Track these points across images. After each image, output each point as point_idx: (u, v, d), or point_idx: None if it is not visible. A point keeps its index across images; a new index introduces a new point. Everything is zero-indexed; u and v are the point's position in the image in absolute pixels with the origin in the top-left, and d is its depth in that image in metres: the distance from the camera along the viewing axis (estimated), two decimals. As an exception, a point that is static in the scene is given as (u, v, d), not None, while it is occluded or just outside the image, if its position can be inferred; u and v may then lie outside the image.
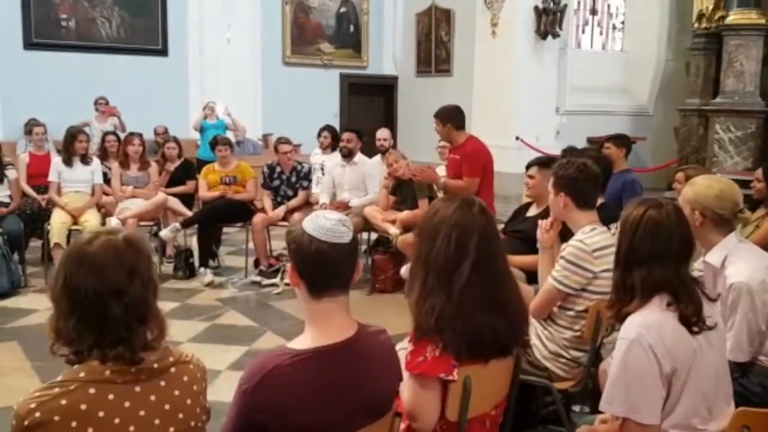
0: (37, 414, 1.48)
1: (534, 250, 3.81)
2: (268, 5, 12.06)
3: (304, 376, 1.66)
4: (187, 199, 6.97)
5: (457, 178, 5.26)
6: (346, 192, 6.59)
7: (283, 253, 6.83)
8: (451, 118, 5.30)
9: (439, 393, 1.99)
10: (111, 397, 1.54)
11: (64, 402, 1.50)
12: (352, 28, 13.05)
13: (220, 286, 6.18)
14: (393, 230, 5.80)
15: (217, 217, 6.59)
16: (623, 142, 5.54)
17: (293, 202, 6.48)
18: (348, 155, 6.66)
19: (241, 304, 5.75)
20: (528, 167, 4.10)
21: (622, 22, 13.12)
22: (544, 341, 2.91)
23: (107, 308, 1.55)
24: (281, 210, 6.40)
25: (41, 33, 10.45)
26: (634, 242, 2.03)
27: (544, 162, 4.08)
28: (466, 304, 1.99)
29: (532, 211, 4.09)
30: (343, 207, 6.41)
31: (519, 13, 10.76)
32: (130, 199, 6.46)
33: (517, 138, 10.53)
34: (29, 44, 10.38)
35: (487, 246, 2.05)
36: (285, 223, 6.40)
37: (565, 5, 11.01)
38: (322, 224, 1.73)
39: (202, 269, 6.28)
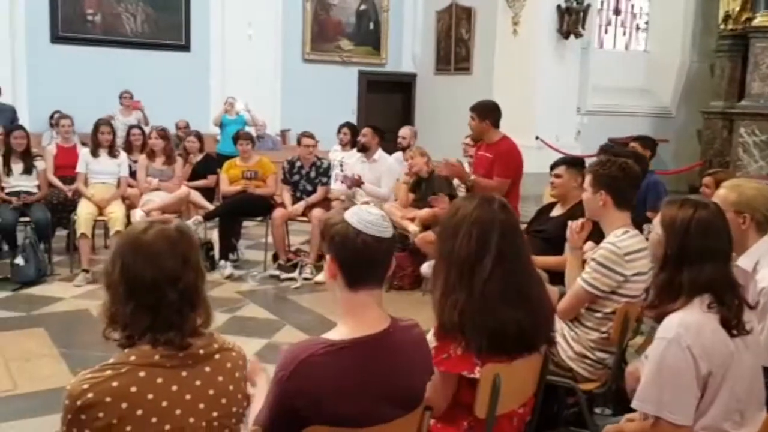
0: (90, 395, 1.52)
1: (557, 251, 3.83)
2: (290, 2, 12.11)
3: (338, 366, 1.69)
4: (208, 193, 7.03)
5: (486, 176, 5.17)
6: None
7: (301, 248, 6.89)
8: (491, 114, 5.20)
9: (454, 387, 2.05)
10: (159, 380, 1.58)
11: (115, 384, 1.54)
12: (371, 26, 13.06)
13: (239, 279, 6.25)
14: (412, 228, 5.82)
15: (238, 211, 6.65)
16: (649, 143, 5.52)
17: (312, 198, 6.52)
18: (363, 150, 6.72)
19: (260, 297, 5.81)
20: (554, 166, 4.08)
21: (646, 23, 13.03)
22: (569, 342, 2.92)
23: (163, 295, 1.60)
24: (300, 205, 6.44)
25: (68, 27, 10.55)
26: (685, 242, 2.03)
27: (571, 161, 4.08)
28: (488, 298, 2.01)
29: (557, 212, 4.08)
30: (357, 183, 6.52)
31: (541, 12, 10.71)
32: (154, 191, 6.54)
33: (537, 138, 10.49)
34: (56, 38, 10.49)
35: (509, 241, 2.07)
36: (304, 218, 6.45)
37: (589, 5, 10.95)
38: (367, 218, 1.75)
39: (222, 262, 6.35)
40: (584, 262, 3.00)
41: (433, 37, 12.78)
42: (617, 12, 12.88)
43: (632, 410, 2.14)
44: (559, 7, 10.73)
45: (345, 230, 1.74)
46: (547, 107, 10.69)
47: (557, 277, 3.42)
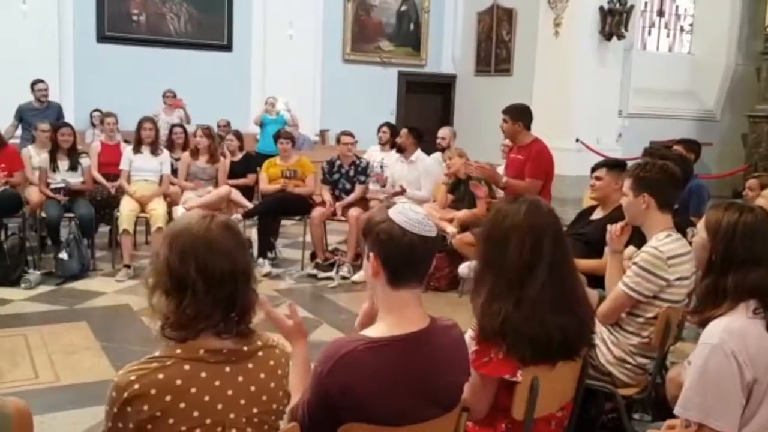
0: (136, 386, 1.54)
1: (597, 254, 3.78)
2: (331, 3, 12.17)
3: (377, 363, 1.69)
4: (248, 192, 7.10)
5: (518, 178, 5.20)
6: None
7: (338, 248, 6.93)
8: (523, 116, 5.24)
9: (495, 390, 2.03)
10: (203, 375, 1.59)
11: (161, 376, 1.56)
12: (412, 27, 13.06)
13: (277, 277, 6.30)
14: (450, 229, 5.80)
15: (277, 210, 6.71)
16: (693, 146, 5.41)
17: (350, 198, 6.54)
18: (400, 151, 6.75)
19: (297, 295, 5.84)
20: (595, 169, 4.04)
21: (691, 24, 12.79)
22: (609, 346, 2.88)
23: (238, 288, 1.64)
24: (339, 206, 6.46)
25: (114, 27, 10.76)
26: (732, 246, 2.00)
27: (612, 164, 4.02)
28: (538, 307, 1.99)
29: (597, 214, 4.03)
30: (401, 193, 6.57)
31: (583, 13, 10.59)
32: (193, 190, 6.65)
33: (577, 140, 10.37)
34: (102, 37, 10.70)
35: (560, 247, 2.05)
36: (342, 218, 6.48)
37: (632, 6, 10.79)
38: (413, 217, 1.75)
39: (260, 260, 6.40)
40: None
41: (474, 38, 12.73)
42: (661, 13, 12.67)
43: (672, 417, 2.10)
44: (601, 8, 10.59)
45: (391, 228, 1.73)
46: (587, 109, 10.56)
47: (596, 280, 3.38)
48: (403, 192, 6.63)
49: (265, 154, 7.88)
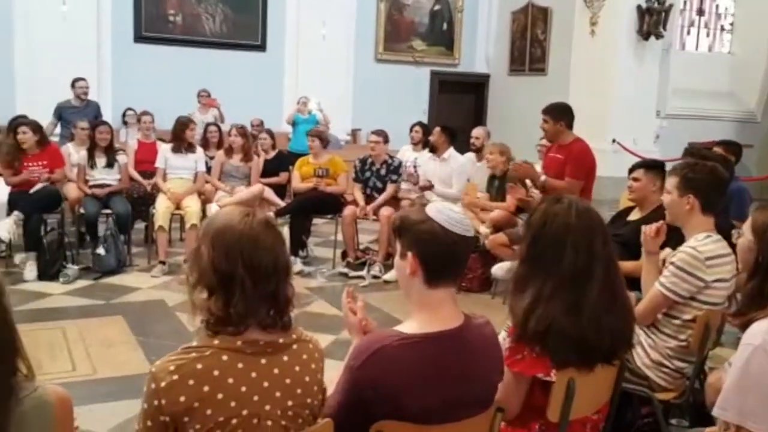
0: (175, 377, 1.55)
1: (634, 256, 3.71)
2: (364, 3, 12.19)
3: (409, 359, 1.68)
4: (280, 190, 7.14)
5: (558, 178, 5.10)
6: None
7: (370, 247, 6.93)
8: (565, 116, 5.13)
9: (527, 388, 2.01)
10: (240, 365, 1.60)
11: (199, 366, 1.57)
12: (445, 26, 13.02)
13: (308, 275, 6.32)
14: (483, 230, 5.76)
15: (309, 209, 6.74)
16: (734, 148, 5.30)
17: (382, 198, 6.54)
18: (433, 150, 6.73)
19: (328, 294, 5.86)
20: (632, 169, 3.97)
21: (731, 24, 12.54)
22: (646, 349, 2.83)
23: (280, 282, 1.66)
24: (370, 208, 6.46)
25: (150, 27, 10.92)
26: None
27: (650, 165, 3.94)
28: (595, 312, 1.97)
29: (634, 216, 3.96)
30: (429, 187, 6.54)
31: (621, 12, 10.46)
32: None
33: (614, 141, 10.24)
34: (139, 37, 10.86)
35: (608, 247, 2.03)
36: (373, 217, 6.48)
37: (671, 5, 10.63)
38: (453, 216, 1.75)
39: (292, 258, 6.40)
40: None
41: (508, 37, 12.64)
42: (701, 12, 12.46)
43: (710, 423, 2.05)
44: (639, 7, 10.45)
45: (432, 228, 1.73)
46: (624, 110, 10.42)
47: (633, 282, 3.32)
48: (431, 187, 6.60)
49: (298, 153, 7.92)
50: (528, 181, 5.70)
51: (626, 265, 3.60)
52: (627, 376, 2.70)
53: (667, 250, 3.37)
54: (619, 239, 3.88)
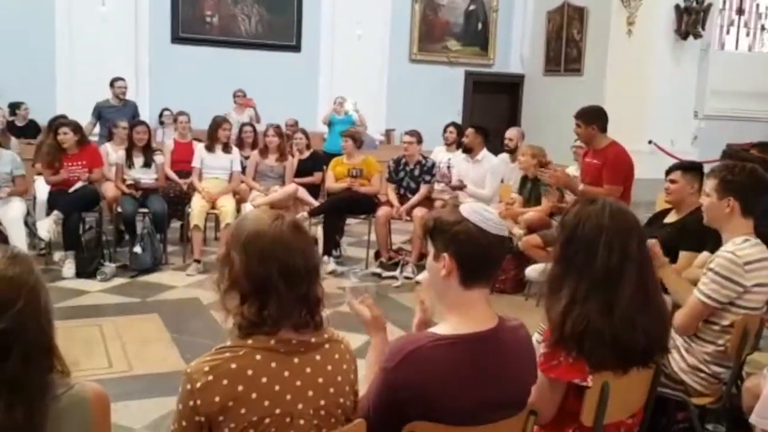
0: (210, 377, 1.57)
1: (670, 259, 3.66)
2: (399, 3, 12.19)
3: (444, 360, 1.68)
4: (314, 190, 7.18)
5: (595, 184, 5.01)
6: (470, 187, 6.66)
7: (403, 247, 6.92)
8: (597, 119, 5.03)
9: (562, 393, 1.99)
10: (273, 365, 1.62)
11: (233, 366, 1.59)
12: (480, 26, 12.96)
13: (341, 275, 6.32)
14: (517, 231, 5.72)
15: (343, 209, 6.76)
16: (771, 149, 5.19)
17: (415, 199, 6.53)
18: (466, 151, 6.70)
19: (361, 294, 5.85)
20: (669, 171, 3.91)
21: (772, 23, 12.29)
22: (683, 353, 2.78)
23: (311, 284, 1.68)
24: (403, 210, 6.46)
25: (187, 28, 11.05)
26: None
27: (687, 166, 3.88)
28: (628, 313, 1.95)
29: (671, 218, 3.90)
30: (459, 186, 6.53)
31: (658, 12, 10.30)
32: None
33: (650, 142, 10.09)
34: (176, 38, 11.00)
35: (644, 248, 2.01)
36: (407, 218, 6.48)
37: (710, 4, 10.44)
38: (489, 217, 1.75)
39: (325, 258, 6.44)
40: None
41: (543, 37, 12.54)
42: (740, 12, 12.21)
43: (747, 429, 2.01)
44: (677, 6, 10.29)
45: (469, 229, 1.72)
46: (661, 111, 10.27)
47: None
48: (463, 187, 6.57)
49: (333, 153, 7.95)
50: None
51: (663, 269, 3.57)
52: (663, 381, 2.66)
53: (705, 254, 3.32)
54: (656, 242, 3.83)
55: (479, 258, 1.74)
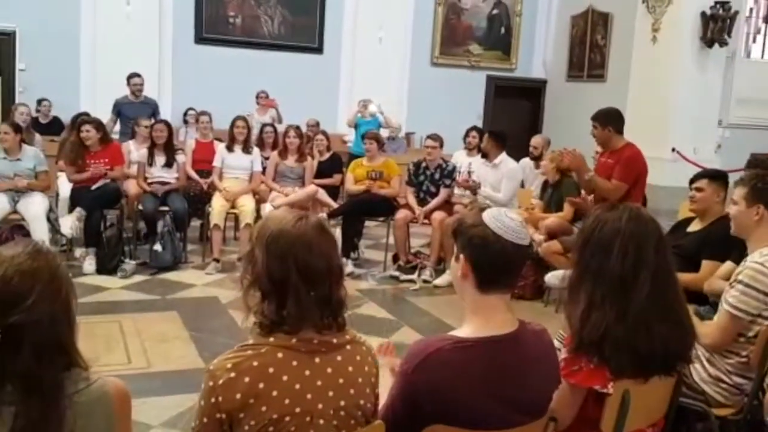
0: (232, 374, 1.58)
1: (693, 267, 3.62)
2: (422, 6, 12.18)
3: (464, 363, 1.67)
4: (333, 191, 7.19)
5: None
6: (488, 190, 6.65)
7: (421, 251, 6.91)
8: (613, 121, 5.06)
9: (582, 400, 1.97)
10: (294, 363, 1.62)
11: (255, 363, 1.59)
12: (502, 30, 12.92)
13: (359, 277, 6.34)
14: (537, 236, 5.68)
15: (362, 211, 6.76)
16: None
17: (434, 203, 6.51)
18: (484, 156, 6.68)
19: (378, 296, 5.87)
20: (695, 179, 3.86)
21: (800, 31, 12.11)
22: (704, 364, 2.74)
23: (332, 286, 1.68)
24: (421, 213, 6.44)
25: (211, 29, 11.13)
26: None
27: (714, 175, 3.83)
28: (642, 319, 1.92)
29: (694, 227, 3.85)
30: (473, 187, 6.53)
31: (684, 18, 10.20)
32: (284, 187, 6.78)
33: (673, 150, 9.99)
34: (200, 39, 11.08)
35: (663, 255, 1.97)
36: (425, 221, 6.47)
37: (736, 12, 10.31)
38: (508, 224, 1.73)
39: (343, 260, 6.43)
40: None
41: (566, 42, 12.48)
42: (767, 20, 12.05)
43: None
44: (703, 13, 10.17)
45: (484, 233, 1.72)
46: (685, 118, 10.16)
47: (691, 295, 3.22)
48: (477, 187, 6.53)
49: (360, 154, 7.91)
50: (574, 175, 5.61)
51: (684, 277, 3.52)
52: (684, 391, 2.62)
53: (729, 263, 3.28)
54: (679, 250, 3.78)
55: (493, 264, 1.73)
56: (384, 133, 8.78)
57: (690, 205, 3.87)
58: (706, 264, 3.57)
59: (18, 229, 5.93)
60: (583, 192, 5.69)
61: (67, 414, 1.41)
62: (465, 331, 1.76)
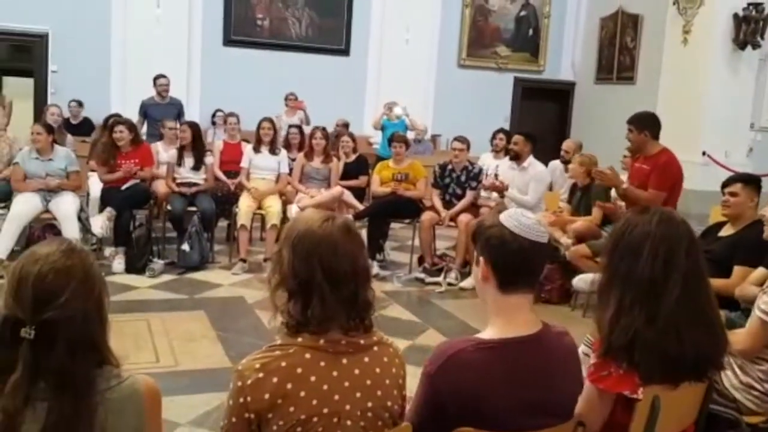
0: (260, 374, 1.59)
1: (724, 273, 3.57)
2: (449, 8, 12.14)
3: (487, 364, 1.67)
4: (359, 193, 7.20)
5: (642, 188, 4.96)
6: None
7: (447, 253, 6.89)
8: (650, 125, 4.98)
9: (611, 405, 1.94)
10: (322, 364, 1.63)
11: (283, 364, 1.60)
12: (530, 32, 12.84)
13: (384, 279, 6.34)
14: (565, 240, 5.64)
15: (387, 213, 6.76)
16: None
17: (460, 206, 6.49)
18: (515, 158, 6.63)
19: (404, 298, 5.87)
20: (728, 183, 3.80)
21: (836, 33, 11.85)
22: (736, 371, 2.70)
23: (358, 287, 1.68)
24: (446, 216, 6.43)
25: (239, 30, 11.20)
26: None
27: (747, 179, 3.78)
28: (672, 323, 1.89)
29: (726, 231, 3.80)
30: (499, 189, 6.48)
31: (715, 20, 10.03)
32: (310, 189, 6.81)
33: (704, 153, 9.84)
34: (228, 41, 11.16)
35: (694, 259, 1.94)
36: (451, 224, 6.45)
37: (770, 13, 10.13)
38: (525, 222, 1.73)
39: (369, 261, 6.44)
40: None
41: (595, 44, 12.36)
42: (803, 20, 11.81)
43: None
44: (735, 15, 9.99)
45: (501, 233, 1.72)
46: (716, 122, 9.99)
47: (723, 300, 3.18)
48: (504, 189, 6.49)
49: (386, 156, 7.90)
50: (613, 192, 5.57)
51: (716, 283, 3.47)
52: (714, 398, 2.58)
53: (761, 269, 3.23)
54: (710, 255, 3.72)
55: (512, 263, 1.73)
56: (410, 135, 8.78)
57: (723, 209, 3.81)
58: (737, 269, 3.52)
59: (49, 228, 6.04)
60: (613, 195, 5.65)
61: (98, 410, 1.43)
62: (488, 332, 1.76)
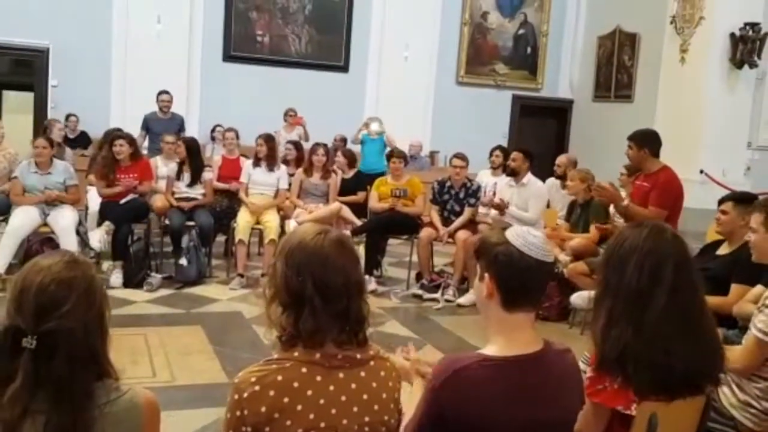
0: (257, 387, 1.59)
1: (721, 291, 3.57)
2: (448, 26, 12.23)
3: (490, 381, 1.67)
4: (357, 209, 7.21)
5: (642, 206, 4.94)
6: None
7: (445, 269, 6.89)
8: (650, 142, 4.99)
9: (606, 421, 1.95)
10: (319, 378, 1.63)
11: (280, 378, 1.61)
12: (529, 50, 12.93)
13: (382, 295, 6.34)
14: (563, 257, 5.64)
15: (385, 228, 6.77)
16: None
17: (458, 222, 6.50)
18: (512, 174, 6.65)
19: (401, 314, 5.86)
20: (721, 202, 3.83)
21: (832, 53, 11.94)
22: (733, 389, 2.70)
23: (351, 301, 1.68)
24: (445, 233, 6.43)
25: (239, 47, 11.26)
26: None
27: (739, 198, 3.80)
28: (657, 334, 1.90)
29: (723, 250, 3.81)
30: (500, 207, 6.46)
31: (713, 39, 10.11)
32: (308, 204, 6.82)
33: (702, 171, 9.88)
34: (228, 56, 11.22)
35: (683, 274, 1.95)
36: (449, 240, 6.45)
37: (766, 33, 10.21)
38: (532, 241, 1.74)
39: (366, 277, 6.44)
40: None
41: (593, 62, 12.44)
42: (799, 41, 11.90)
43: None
44: (732, 35, 10.08)
45: (509, 251, 1.72)
46: (713, 140, 10.04)
47: (721, 318, 3.18)
48: (505, 207, 6.50)
49: (368, 173, 7.91)
50: (611, 208, 5.57)
51: (713, 301, 3.47)
52: (712, 416, 2.58)
53: (759, 287, 3.23)
54: (707, 273, 3.73)
55: (519, 282, 1.73)
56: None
57: (716, 227, 3.83)
58: (735, 287, 3.52)
59: (48, 241, 6.03)
60: (612, 212, 5.65)
61: (95, 424, 1.43)
62: (491, 349, 1.75)
